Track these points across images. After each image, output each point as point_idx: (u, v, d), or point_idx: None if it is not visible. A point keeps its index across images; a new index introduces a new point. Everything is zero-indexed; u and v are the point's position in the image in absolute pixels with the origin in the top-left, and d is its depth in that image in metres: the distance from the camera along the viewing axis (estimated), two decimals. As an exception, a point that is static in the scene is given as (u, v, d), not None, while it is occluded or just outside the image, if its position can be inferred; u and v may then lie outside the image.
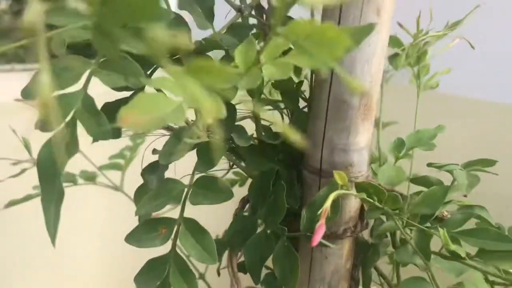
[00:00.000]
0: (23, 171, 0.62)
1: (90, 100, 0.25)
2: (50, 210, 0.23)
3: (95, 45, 0.16)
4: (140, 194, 0.39)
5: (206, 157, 0.35)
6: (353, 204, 0.39)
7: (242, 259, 0.40)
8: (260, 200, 0.39)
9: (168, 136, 0.36)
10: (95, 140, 0.25)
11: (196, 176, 0.35)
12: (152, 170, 0.39)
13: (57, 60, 0.24)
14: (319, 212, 0.27)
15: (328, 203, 0.28)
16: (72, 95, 0.25)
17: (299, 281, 0.35)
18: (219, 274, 0.47)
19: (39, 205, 0.24)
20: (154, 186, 0.36)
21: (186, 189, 0.34)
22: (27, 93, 0.25)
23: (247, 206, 0.43)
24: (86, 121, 0.24)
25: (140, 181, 0.40)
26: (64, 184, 0.66)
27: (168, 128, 0.39)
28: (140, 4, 0.14)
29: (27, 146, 0.63)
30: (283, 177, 0.40)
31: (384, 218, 0.42)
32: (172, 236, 0.33)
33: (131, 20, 0.14)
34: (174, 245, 0.33)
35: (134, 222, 0.37)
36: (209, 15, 0.36)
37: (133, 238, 0.34)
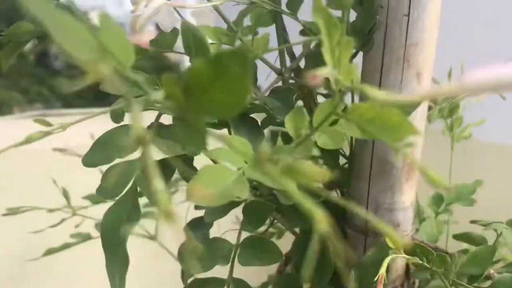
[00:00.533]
0: (62, 221, 0.64)
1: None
2: (116, 279, 0.24)
3: (178, 132, 0.18)
4: (184, 252, 0.39)
5: (254, 216, 0.35)
6: (399, 263, 0.39)
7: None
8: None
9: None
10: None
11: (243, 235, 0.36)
12: (196, 227, 0.39)
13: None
14: (375, 279, 0.27)
15: (383, 269, 0.28)
16: (132, 163, 0.27)
17: None
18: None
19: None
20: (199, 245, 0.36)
21: (233, 249, 0.35)
22: (90, 163, 0.26)
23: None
24: (147, 188, 0.25)
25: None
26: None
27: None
28: (226, 101, 0.15)
29: (66, 196, 0.65)
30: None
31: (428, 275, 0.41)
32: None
33: (215, 114, 0.16)
34: (223, 306, 0.33)
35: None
36: (252, 78, 0.38)
37: (181, 299, 0.34)
